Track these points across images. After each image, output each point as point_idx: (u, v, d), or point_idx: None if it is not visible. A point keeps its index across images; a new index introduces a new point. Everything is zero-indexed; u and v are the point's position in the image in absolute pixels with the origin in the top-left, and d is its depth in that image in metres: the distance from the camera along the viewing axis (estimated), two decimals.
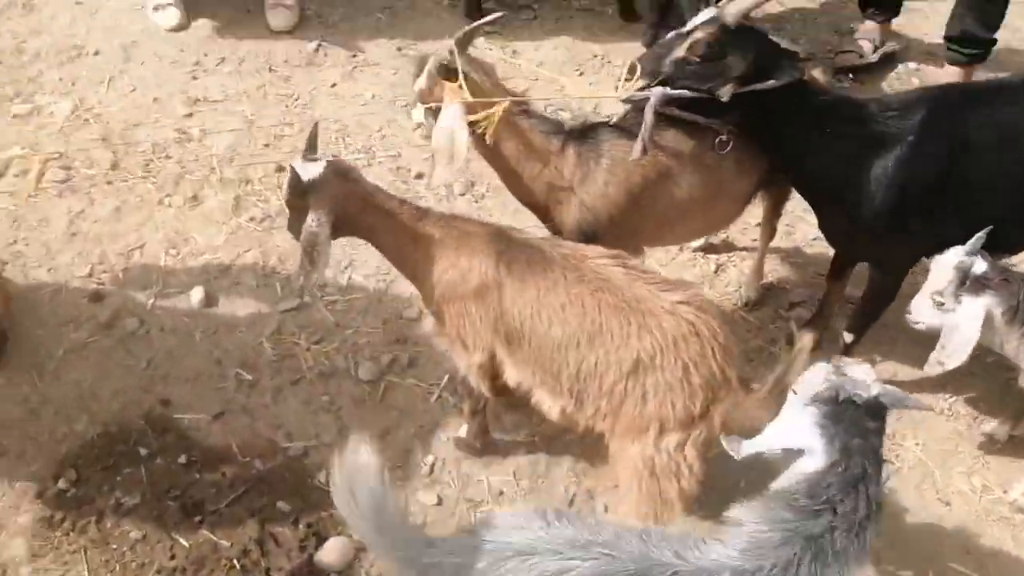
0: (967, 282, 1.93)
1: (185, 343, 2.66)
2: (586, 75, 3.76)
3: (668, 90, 2.01)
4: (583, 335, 1.91)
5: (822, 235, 2.51)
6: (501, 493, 2.39)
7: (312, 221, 1.95)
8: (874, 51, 3.76)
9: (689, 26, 2.04)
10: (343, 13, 3.97)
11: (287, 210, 2.12)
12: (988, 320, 1.96)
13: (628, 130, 2.24)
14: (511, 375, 2.10)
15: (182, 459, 2.36)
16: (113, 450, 2.37)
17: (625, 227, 2.31)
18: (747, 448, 1.71)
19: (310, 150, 2.01)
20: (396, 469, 2.40)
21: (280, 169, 3.20)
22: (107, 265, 2.85)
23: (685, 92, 2.03)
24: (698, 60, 1.99)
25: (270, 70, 3.64)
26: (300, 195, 1.99)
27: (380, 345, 2.71)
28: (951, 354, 1.97)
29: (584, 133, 2.30)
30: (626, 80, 2.08)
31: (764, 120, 2.06)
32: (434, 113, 2.23)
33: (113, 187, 3.10)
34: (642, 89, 2.06)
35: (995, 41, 3.59)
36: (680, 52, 2.01)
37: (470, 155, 2.16)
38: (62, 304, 2.73)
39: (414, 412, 2.55)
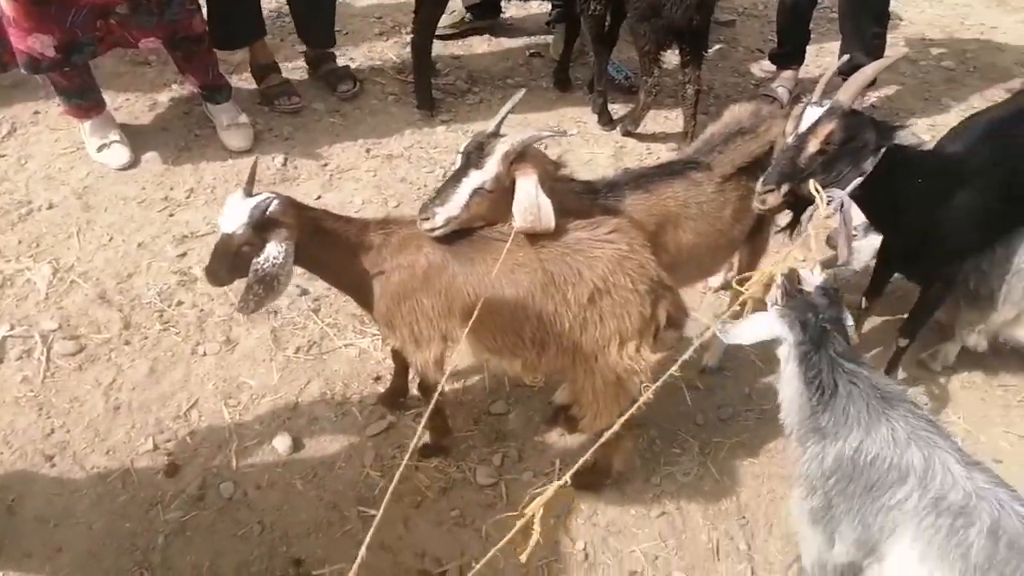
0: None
1: (290, 495, 2.52)
2: (549, 148, 3.96)
3: (846, 192, 2.21)
4: (536, 288, 2.13)
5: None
6: (656, 559, 2.48)
7: (276, 252, 2.04)
8: (788, 96, 4.28)
9: (807, 125, 2.28)
10: (293, 123, 3.91)
11: (224, 254, 2.05)
12: None
13: (639, 184, 2.46)
14: (468, 350, 2.28)
15: None
16: None
17: None
18: (732, 340, 1.99)
19: (250, 185, 2.08)
20: (552, 563, 2.43)
21: (304, 292, 3.11)
22: (168, 433, 2.63)
23: (855, 183, 2.26)
24: (836, 147, 2.25)
25: None
26: (260, 229, 2.03)
27: (483, 447, 2.71)
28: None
29: (609, 188, 2.45)
30: (767, 191, 2.28)
31: (872, 179, 2.33)
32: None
33: (135, 348, 2.86)
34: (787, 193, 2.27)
35: None
36: (813, 148, 2.25)
37: None
38: (139, 487, 2.48)
39: (545, 504, 2.58)
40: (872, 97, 4.51)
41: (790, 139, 2.37)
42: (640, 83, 3.84)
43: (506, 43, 4.61)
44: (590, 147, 3.97)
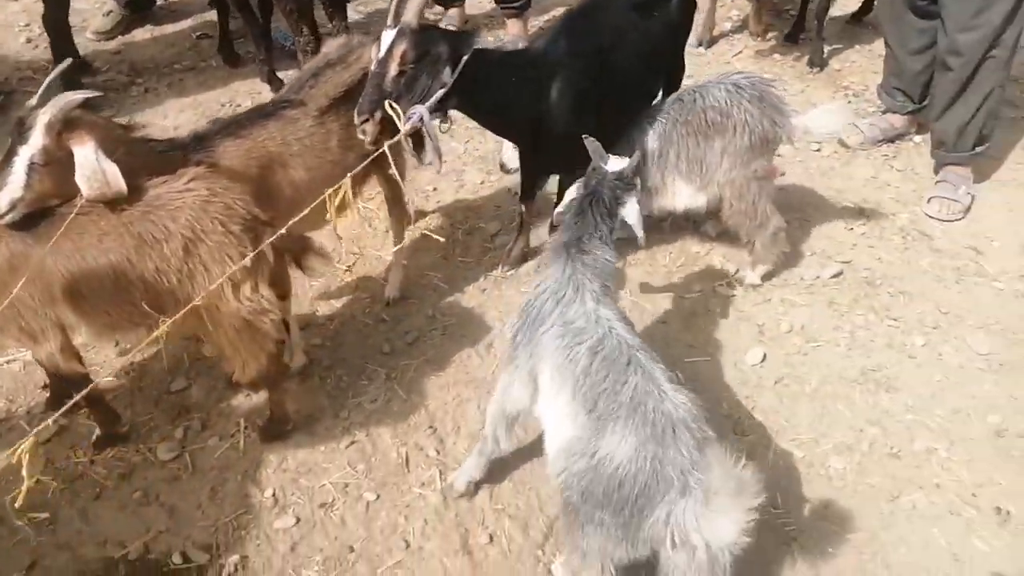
0: None
1: None
2: None
3: (426, 106, 2.32)
4: (129, 252, 2.12)
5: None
6: (346, 486, 2.58)
7: None
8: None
9: (384, 49, 2.36)
10: None
11: None
12: None
13: (230, 132, 2.47)
14: (89, 332, 2.26)
15: None
16: None
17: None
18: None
19: None
20: (242, 515, 2.48)
21: None
22: None
23: (437, 95, 2.36)
24: (412, 66, 2.34)
25: None
26: None
27: (165, 426, 2.70)
28: None
29: (197, 141, 2.43)
30: (363, 121, 2.34)
31: (466, 88, 2.48)
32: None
33: None
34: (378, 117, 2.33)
35: None
36: (393, 70, 2.34)
37: None
38: None
39: (231, 463, 2.61)
40: (541, 21, 4.80)
41: (373, 66, 2.50)
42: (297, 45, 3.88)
43: (170, 28, 4.49)
44: None
